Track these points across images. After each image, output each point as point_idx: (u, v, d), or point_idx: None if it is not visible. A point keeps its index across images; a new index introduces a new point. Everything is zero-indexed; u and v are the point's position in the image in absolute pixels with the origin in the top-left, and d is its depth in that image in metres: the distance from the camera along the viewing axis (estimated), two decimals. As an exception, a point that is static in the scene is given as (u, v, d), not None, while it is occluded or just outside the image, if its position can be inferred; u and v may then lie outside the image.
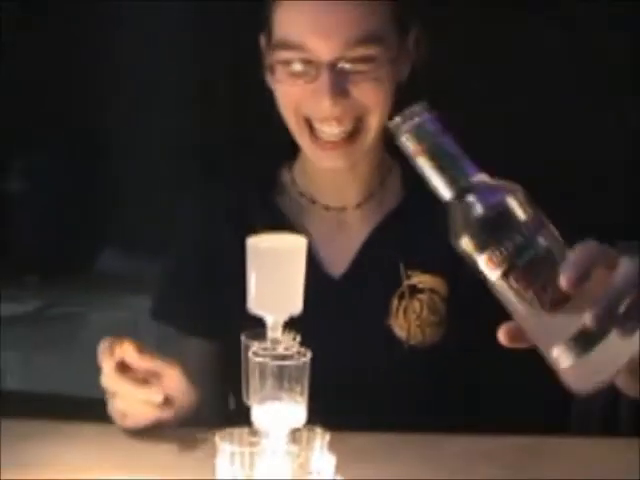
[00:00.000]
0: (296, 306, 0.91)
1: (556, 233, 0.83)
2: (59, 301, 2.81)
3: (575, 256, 0.81)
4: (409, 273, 1.31)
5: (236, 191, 1.39)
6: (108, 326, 2.80)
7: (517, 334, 0.85)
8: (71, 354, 2.74)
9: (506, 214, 0.82)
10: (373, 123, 1.26)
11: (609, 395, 1.62)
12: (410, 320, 1.30)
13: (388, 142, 1.30)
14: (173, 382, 1.18)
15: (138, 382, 1.16)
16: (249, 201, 1.36)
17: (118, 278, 2.88)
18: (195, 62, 2.84)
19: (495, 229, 0.82)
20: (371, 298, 1.31)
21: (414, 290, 1.31)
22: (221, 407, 1.38)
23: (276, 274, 0.90)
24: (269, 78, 1.30)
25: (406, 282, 1.31)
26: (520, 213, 0.82)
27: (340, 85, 1.23)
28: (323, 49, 1.23)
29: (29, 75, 2.92)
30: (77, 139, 2.95)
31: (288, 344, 0.91)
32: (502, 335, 0.86)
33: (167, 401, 1.17)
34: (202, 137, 2.62)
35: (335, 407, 1.05)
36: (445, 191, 0.85)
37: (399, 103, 1.27)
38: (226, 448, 0.92)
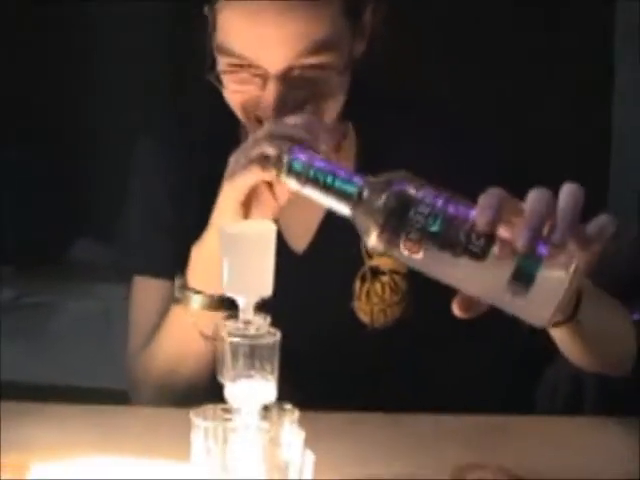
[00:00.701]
0: (267, 289, 0.96)
1: (454, 194, 0.89)
2: (33, 290, 2.85)
3: (482, 200, 0.87)
4: (370, 253, 1.31)
5: (194, 148, 1.36)
6: (81, 315, 2.84)
7: (468, 303, 0.91)
8: (45, 342, 2.77)
9: (403, 198, 0.87)
10: (328, 110, 1.21)
11: (573, 375, 1.69)
12: (373, 303, 1.32)
13: (344, 109, 1.28)
14: None
15: None
16: (210, 158, 1.28)
17: (91, 267, 2.91)
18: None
19: (398, 216, 0.87)
20: (333, 277, 1.32)
21: (376, 272, 1.32)
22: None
23: (247, 259, 0.95)
24: (213, 80, 1.21)
25: (368, 263, 1.32)
26: (413, 190, 0.88)
27: (289, 94, 1.16)
28: (269, 62, 1.15)
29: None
30: (51, 129, 2.97)
31: (259, 324, 0.96)
32: (456, 309, 0.91)
33: None
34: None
35: (300, 386, 1.08)
36: (341, 207, 0.92)
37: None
38: (200, 424, 0.97)
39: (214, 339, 0.97)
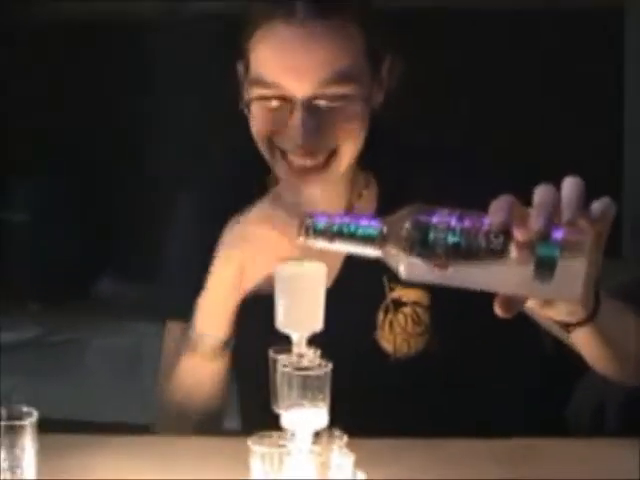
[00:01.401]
0: (318, 324, 1.05)
1: (465, 210, 0.98)
2: (60, 327, 2.92)
3: (493, 205, 0.96)
4: (392, 286, 1.38)
5: (222, 195, 1.44)
6: (109, 351, 2.91)
7: (508, 302, 0.98)
8: (73, 379, 2.84)
9: (419, 223, 0.96)
10: (346, 154, 1.32)
11: (598, 397, 1.77)
12: (396, 333, 1.39)
13: (364, 158, 1.39)
14: None
15: None
16: (237, 205, 1.36)
17: (118, 304, 2.98)
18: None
19: (421, 239, 0.96)
20: (357, 312, 1.39)
21: (398, 303, 1.39)
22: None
23: (300, 297, 1.04)
24: (244, 109, 1.33)
25: (390, 295, 1.39)
26: (427, 216, 0.97)
27: (313, 122, 1.27)
28: (297, 88, 1.27)
29: (27, 107, 3.04)
30: (77, 170, 3.06)
31: (311, 357, 1.04)
32: (498, 310, 0.99)
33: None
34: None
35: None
36: (369, 251, 1.00)
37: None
38: (257, 450, 1.05)
39: None
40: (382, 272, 1.35)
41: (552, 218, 0.94)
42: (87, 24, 2.97)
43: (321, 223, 1.02)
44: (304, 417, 1.04)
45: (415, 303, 1.39)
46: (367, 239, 1.00)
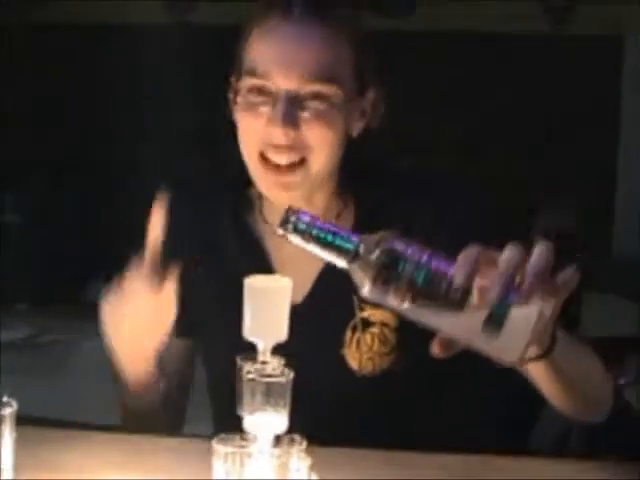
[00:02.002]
0: (283, 334, 1.12)
1: (437, 252, 1.04)
2: (49, 329, 2.99)
3: (460, 258, 1.01)
4: (362, 305, 1.43)
5: (208, 205, 1.53)
6: (96, 353, 2.95)
7: (445, 344, 1.05)
8: (60, 380, 2.89)
9: (393, 254, 1.03)
10: (317, 160, 1.38)
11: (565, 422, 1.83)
12: (362, 352, 1.44)
13: (343, 180, 1.46)
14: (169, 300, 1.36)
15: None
16: (221, 216, 1.51)
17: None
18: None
19: (389, 269, 1.02)
20: (326, 328, 1.45)
21: (367, 323, 1.44)
22: (182, 400, 1.59)
23: (267, 309, 1.11)
24: (234, 114, 1.42)
25: (359, 315, 1.45)
26: (403, 249, 1.03)
27: (292, 116, 1.35)
28: (284, 79, 1.36)
29: (21, 109, 3.11)
30: (69, 172, 3.12)
31: (275, 365, 1.11)
32: (436, 348, 1.05)
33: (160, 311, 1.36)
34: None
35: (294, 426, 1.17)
36: (339, 261, 1.06)
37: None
38: (221, 450, 1.12)
39: None
40: (353, 291, 1.41)
41: (511, 282, 1.00)
42: (88, 26, 3.04)
43: (303, 223, 1.08)
44: (266, 421, 1.11)
45: (383, 324, 1.45)
46: (341, 251, 1.06)
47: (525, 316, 1.02)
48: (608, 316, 2.75)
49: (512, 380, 1.67)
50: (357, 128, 1.44)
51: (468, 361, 1.50)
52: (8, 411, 1.16)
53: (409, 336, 1.44)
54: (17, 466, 1.19)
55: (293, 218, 1.08)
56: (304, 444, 1.14)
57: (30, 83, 3.11)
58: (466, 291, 1.02)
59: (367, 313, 1.45)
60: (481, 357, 1.39)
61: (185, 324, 1.50)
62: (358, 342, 1.45)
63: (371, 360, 1.45)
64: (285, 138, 1.36)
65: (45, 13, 3.08)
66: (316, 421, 1.22)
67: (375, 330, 1.45)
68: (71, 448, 1.37)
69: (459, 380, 1.52)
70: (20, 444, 1.20)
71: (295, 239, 1.08)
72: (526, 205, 2.83)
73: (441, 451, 1.38)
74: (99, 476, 1.28)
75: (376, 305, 1.41)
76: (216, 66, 1.49)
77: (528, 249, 1.05)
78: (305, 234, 1.07)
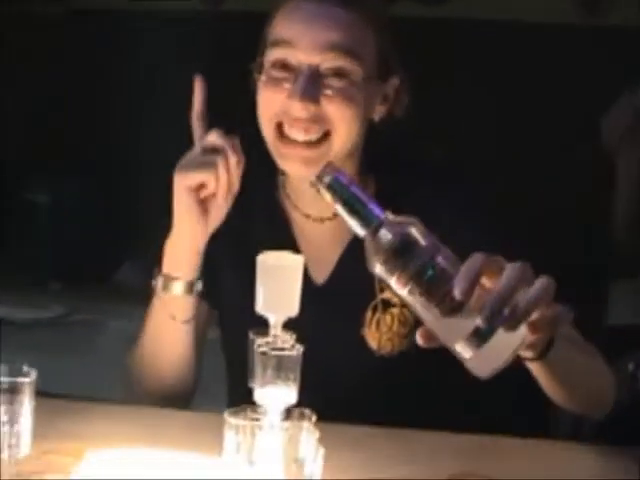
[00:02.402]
0: (294, 309, 1.15)
1: (450, 253, 1.06)
2: (80, 308, 3.02)
3: (463, 270, 1.02)
4: (383, 286, 1.45)
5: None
6: (124, 334, 3.00)
7: (429, 336, 1.07)
8: (89, 358, 2.94)
9: (409, 242, 1.05)
10: (336, 137, 1.41)
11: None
12: (381, 332, 1.47)
13: (364, 163, 1.49)
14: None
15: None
16: (251, 196, 1.51)
17: (135, 290, 3.08)
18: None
19: (401, 255, 1.05)
20: (347, 307, 1.47)
21: (387, 304, 1.47)
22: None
23: (279, 284, 1.14)
24: (256, 78, 1.44)
25: (380, 295, 1.48)
26: (420, 240, 1.05)
27: (313, 91, 1.38)
28: (308, 51, 1.39)
29: (63, 91, 3.15)
30: (105, 154, 3.17)
31: (286, 339, 1.14)
32: (418, 337, 1.08)
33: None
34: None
35: (312, 404, 1.19)
36: (359, 229, 1.08)
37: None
38: (233, 422, 1.15)
39: None
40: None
41: (502, 308, 1.02)
42: (119, 14, 3.07)
43: (338, 184, 1.10)
44: (276, 394, 1.14)
45: (403, 305, 1.46)
46: (364, 222, 1.08)
47: (508, 340, 1.04)
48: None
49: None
50: (379, 112, 1.47)
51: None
52: (27, 380, 1.19)
53: None
54: (38, 436, 1.22)
55: (330, 176, 1.10)
56: (314, 418, 1.17)
57: (64, 68, 3.16)
58: (459, 305, 1.04)
59: (388, 294, 1.47)
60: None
61: (214, 295, 1.54)
62: (378, 322, 1.48)
63: (390, 341, 1.48)
64: (305, 112, 1.38)
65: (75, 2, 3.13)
66: (333, 399, 1.26)
67: (395, 311, 1.48)
68: (91, 420, 1.41)
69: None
70: (42, 415, 1.22)
71: (325, 194, 1.11)
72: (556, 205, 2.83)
73: (457, 431, 1.40)
74: (119, 445, 1.32)
75: None
76: (246, 53, 1.51)
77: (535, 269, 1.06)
78: (336, 194, 1.10)
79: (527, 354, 1.16)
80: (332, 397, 1.26)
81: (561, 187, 2.91)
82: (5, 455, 1.19)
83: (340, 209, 1.10)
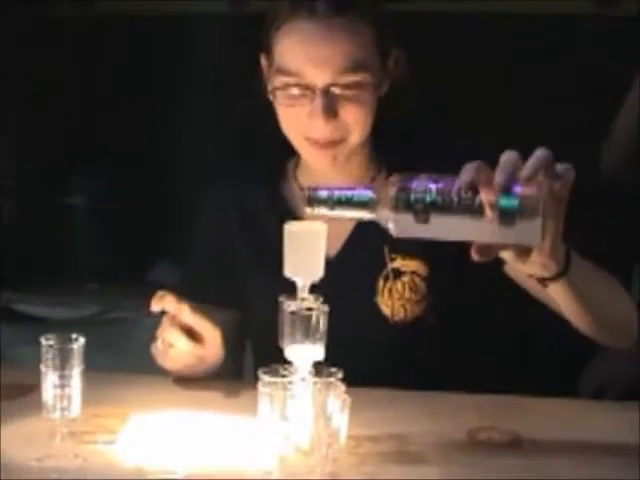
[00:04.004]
0: (319, 273, 1.25)
1: (438, 175, 1.16)
2: (116, 306, 3.07)
3: (463, 169, 1.12)
4: (393, 256, 1.56)
5: (244, 180, 1.67)
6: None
7: (482, 249, 1.15)
8: (125, 354, 3.03)
9: (402, 186, 1.16)
10: (356, 136, 1.50)
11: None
12: (394, 299, 1.56)
13: (377, 145, 1.58)
14: (212, 344, 1.47)
15: (187, 334, 1.45)
16: (256, 189, 1.64)
17: (169, 288, 3.16)
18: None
19: (404, 199, 1.15)
20: (360, 278, 1.57)
21: (398, 272, 1.57)
22: (236, 368, 1.71)
23: (304, 250, 1.24)
24: (271, 97, 1.51)
25: (390, 265, 1.57)
26: (408, 181, 1.15)
27: (331, 107, 1.46)
28: (318, 76, 1.45)
29: (91, 96, 3.26)
30: (138, 155, 3.25)
31: (312, 301, 1.24)
32: (474, 254, 1.16)
33: (203, 357, 1.48)
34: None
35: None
36: (365, 214, 1.19)
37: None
38: (266, 379, 1.25)
39: None
40: (384, 243, 1.56)
41: (513, 175, 1.10)
42: (149, 16, 3.17)
43: (322, 194, 1.21)
44: (304, 350, 1.24)
45: (413, 273, 1.57)
46: (362, 204, 1.19)
47: (532, 199, 1.11)
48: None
49: (542, 328, 1.78)
50: (384, 88, 1.55)
51: (498, 308, 1.63)
52: (75, 346, 1.29)
53: (439, 284, 1.57)
54: (87, 403, 1.32)
55: (312, 194, 1.21)
56: (340, 373, 1.27)
57: (97, 71, 3.25)
58: (474, 192, 1.12)
59: (398, 263, 1.57)
60: (511, 304, 1.51)
61: (228, 296, 1.66)
62: (390, 290, 1.57)
63: (403, 307, 1.57)
64: (327, 128, 1.48)
65: (105, 5, 3.22)
66: (351, 366, 1.30)
67: (406, 279, 1.57)
68: (135, 389, 1.53)
69: (488, 327, 1.63)
70: (89, 385, 1.32)
71: (322, 211, 1.21)
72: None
73: (472, 392, 1.49)
74: (161, 410, 1.42)
75: (406, 255, 1.56)
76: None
77: None
78: (329, 202, 1.20)
79: (548, 272, 1.23)
80: (350, 364, 1.29)
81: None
82: (57, 416, 1.29)
83: (341, 212, 1.21)
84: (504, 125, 2.72)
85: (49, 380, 1.29)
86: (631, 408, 1.44)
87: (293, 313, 1.23)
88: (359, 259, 1.58)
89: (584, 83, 2.95)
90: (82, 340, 1.30)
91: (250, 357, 1.75)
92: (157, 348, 1.49)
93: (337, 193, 1.21)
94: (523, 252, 1.19)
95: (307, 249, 1.24)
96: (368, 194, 1.19)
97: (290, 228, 1.25)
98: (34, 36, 3.12)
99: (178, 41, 3.19)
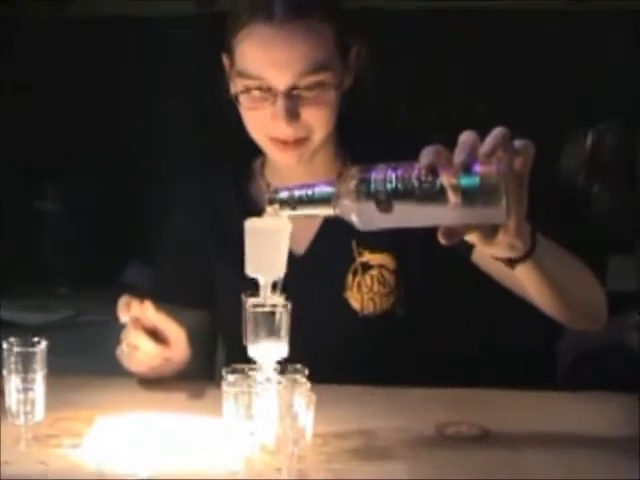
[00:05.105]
0: (281, 270, 1.24)
1: (396, 163, 1.15)
2: (88, 310, 3.07)
3: (422, 152, 1.11)
4: (360, 251, 1.57)
5: (212, 180, 1.67)
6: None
7: (449, 232, 1.14)
8: (98, 358, 3.02)
9: (361, 178, 1.15)
10: (319, 134, 1.51)
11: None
12: (363, 293, 1.57)
13: (342, 141, 1.58)
14: (178, 345, 1.47)
15: (151, 336, 1.44)
16: (224, 189, 1.65)
17: (143, 290, 3.15)
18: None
19: (364, 190, 1.14)
20: (329, 273, 1.58)
21: (366, 266, 1.57)
22: (208, 366, 1.70)
23: (267, 246, 1.23)
24: (234, 100, 1.51)
25: (358, 259, 1.57)
26: (367, 173, 1.15)
27: (294, 109, 1.46)
28: (279, 80, 1.45)
29: (61, 99, 3.24)
30: (108, 159, 3.24)
31: (274, 299, 1.23)
32: (441, 238, 1.14)
33: (168, 358, 1.47)
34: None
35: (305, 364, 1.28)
36: (328, 210, 1.18)
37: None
38: (230, 378, 1.24)
39: None
40: (352, 238, 1.57)
41: (472, 154, 1.09)
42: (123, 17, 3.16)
43: (283, 194, 1.21)
44: (268, 348, 1.23)
45: (381, 266, 1.58)
46: (323, 200, 1.19)
47: (493, 176, 1.09)
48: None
49: (512, 317, 1.78)
50: (347, 84, 1.55)
51: (466, 300, 1.63)
52: (38, 349, 1.28)
53: (407, 277, 1.58)
54: (50, 407, 1.32)
55: (273, 195, 1.21)
56: (305, 371, 1.26)
57: (71, 75, 3.24)
58: (435, 176, 1.11)
59: (366, 258, 1.58)
60: (479, 296, 1.50)
61: (199, 296, 1.65)
62: (359, 285, 1.58)
63: (372, 300, 1.58)
64: (290, 129, 1.48)
65: (77, 7, 3.21)
66: (321, 361, 1.30)
67: (374, 272, 1.58)
68: (100, 391, 1.52)
69: (457, 318, 1.64)
70: (53, 389, 1.32)
71: (285, 211, 1.21)
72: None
73: (440, 386, 1.48)
74: (124, 412, 1.41)
75: (374, 249, 1.57)
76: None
77: None
78: (290, 201, 1.20)
79: (515, 253, 1.22)
80: (320, 359, 1.29)
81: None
82: (21, 421, 1.28)
83: (304, 210, 1.21)
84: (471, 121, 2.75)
85: (12, 385, 1.27)
86: (601, 399, 1.45)
87: (255, 311, 1.22)
88: (327, 255, 1.59)
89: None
90: (44, 343, 1.29)
91: (222, 356, 1.74)
92: (122, 351, 1.47)
93: (297, 192, 1.20)
94: (489, 233, 1.17)
95: (269, 246, 1.23)
96: (329, 190, 1.19)
97: (251, 225, 1.23)
98: (3, 36, 3.11)
99: (146, 42, 3.18)
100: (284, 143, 1.50)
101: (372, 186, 1.14)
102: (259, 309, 1.22)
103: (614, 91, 2.97)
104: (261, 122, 1.51)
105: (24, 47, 3.17)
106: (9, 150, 3.17)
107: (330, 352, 1.50)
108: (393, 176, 1.13)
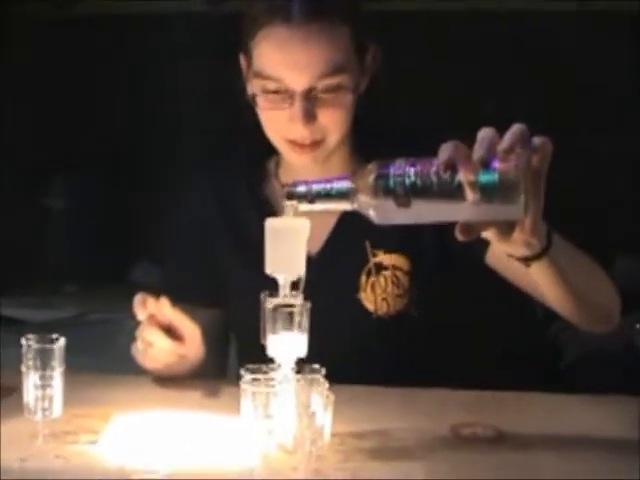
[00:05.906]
0: (301, 270, 1.24)
1: (415, 158, 1.15)
2: (95, 308, 3.08)
3: (441, 148, 1.11)
4: (374, 252, 1.58)
5: (227, 180, 1.67)
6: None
7: (466, 228, 1.14)
8: (106, 357, 3.02)
9: (380, 173, 1.15)
10: (335, 136, 1.51)
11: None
12: (376, 294, 1.57)
13: (357, 142, 1.58)
14: (192, 342, 1.47)
15: (166, 333, 1.44)
16: (238, 189, 1.65)
17: (149, 289, 3.15)
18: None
19: (383, 185, 1.15)
20: (342, 274, 1.58)
21: (379, 267, 1.58)
22: (222, 364, 1.71)
23: (286, 246, 1.23)
24: (251, 101, 1.51)
25: (372, 260, 1.58)
26: (386, 168, 1.15)
27: (311, 111, 1.46)
28: (297, 81, 1.45)
29: (68, 98, 3.24)
30: (115, 158, 3.24)
31: (293, 297, 1.24)
32: (458, 235, 1.14)
33: (183, 355, 1.47)
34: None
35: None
36: (345, 205, 1.18)
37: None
38: (248, 377, 1.24)
39: None
40: (366, 239, 1.57)
41: (491, 150, 1.09)
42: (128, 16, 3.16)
43: (301, 188, 1.21)
44: (287, 347, 1.23)
45: (395, 267, 1.58)
46: (341, 195, 1.19)
47: (511, 172, 1.10)
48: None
49: (524, 321, 1.79)
50: (363, 86, 1.55)
51: (480, 301, 1.63)
52: (56, 346, 1.28)
53: (421, 278, 1.58)
54: (68, 404, 1.32)
55: (291, 190, 1.21)
56: (323, 370, 1.26)
57: (78, 71, 3.24)
58: (453, 171, 1.11)
59: (379, 258, 1.58)
60: (493, 297, 1.51)
61: (213, 294, 1.66)
62: (373, 285, 1.58)
63: (385, 301, 1.58)
64: (307, 132, 1.49)
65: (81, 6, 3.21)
66: (335, 362, 1.30)
67: (388, 273, 1.58)
68: (117, 389, 1.52)
69: (472, 321, 1.64)
70: (71, 386, 1.31)
71: (303, 206, 1.21)
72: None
73: (453, 388, 1.48)
74: (141, 410, 1.41)
75: (388, 250, 1.57)
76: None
77: None
78: (308, 196, 1.20)
79: (531, 250, 1.22)
80: (332, 360, 1.29)
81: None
82: (39, 417, 1.28)
83: (321, 204, 1.20)
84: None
85: (30, 381, 1.28)
86: (616, 402, 1.45)
87: (275, 310, 1.23)
88: (341, 255, 1.59)
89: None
90: (63, 340, 1.30)
91: (234, 354, 1.75)
92: (137, 348, 1.48)
93: (315, 187, 1.20)
94: (506, 230, 1.17)
95: (288, 246, 1.23)
96: (346, 184, 1.19)
97: (271, 224, 1.24)
98: (11, 35, 3.11)
99: (157, 41, 3.18)
100: (300, 146, 1.51)
101: (390, 181, 1.14)
102: (278, 308, 1.22)
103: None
104: (278, 123, 1.51)
105: (28, 45, 3.17)
106: (17, 146, 3.18)
107: (343, 353, 1.50)
108: (411, 171, 1.13)
